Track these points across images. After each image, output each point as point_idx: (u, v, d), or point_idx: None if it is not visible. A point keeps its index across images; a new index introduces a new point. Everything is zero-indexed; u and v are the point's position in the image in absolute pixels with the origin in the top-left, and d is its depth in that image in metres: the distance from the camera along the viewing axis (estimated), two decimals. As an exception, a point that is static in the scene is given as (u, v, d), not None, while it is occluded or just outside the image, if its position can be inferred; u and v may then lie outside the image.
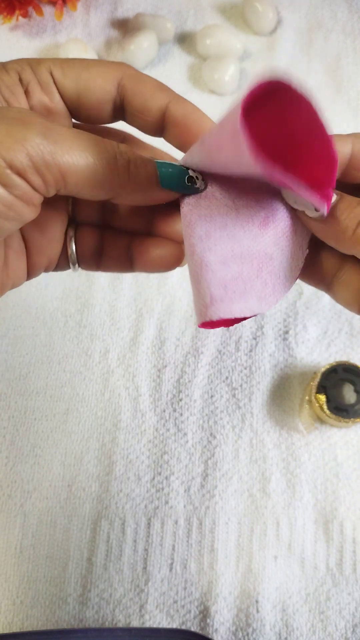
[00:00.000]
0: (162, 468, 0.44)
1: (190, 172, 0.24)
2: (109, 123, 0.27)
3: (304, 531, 0.42)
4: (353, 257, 0.25)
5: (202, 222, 0.25)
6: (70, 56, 0.56)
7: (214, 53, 0.57)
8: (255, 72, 0.58)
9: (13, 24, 0.60)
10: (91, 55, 0.57)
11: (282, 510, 0.43)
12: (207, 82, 0.57)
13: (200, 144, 0.23)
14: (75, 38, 0.58)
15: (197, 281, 0.24)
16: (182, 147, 0.26)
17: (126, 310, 0.49)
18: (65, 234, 0.28)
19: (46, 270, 0.29)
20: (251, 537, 0.42)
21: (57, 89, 0.24)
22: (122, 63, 0.25)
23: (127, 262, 0.29)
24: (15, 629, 0.41)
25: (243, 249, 0.25)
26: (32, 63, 0.24)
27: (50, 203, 0.26)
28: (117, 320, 0.49)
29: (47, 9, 0.61)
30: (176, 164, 0.24)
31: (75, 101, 0.25)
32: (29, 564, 0.42)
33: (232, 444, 0.45)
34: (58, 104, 0.24)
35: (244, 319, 0.24)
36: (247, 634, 0.40)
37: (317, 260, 0.26)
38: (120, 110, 0.26)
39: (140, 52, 0.57)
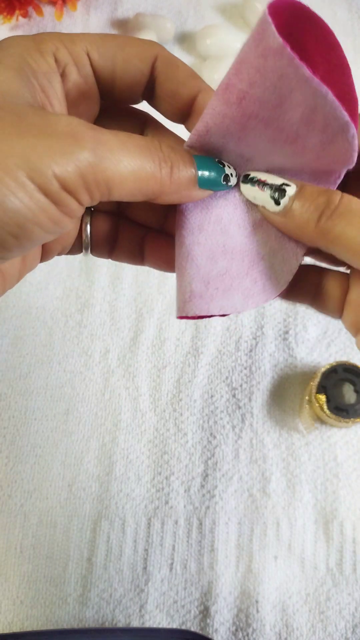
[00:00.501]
0: (162, 468, 0.44)
1: (226, 170, 0.24)
2: (136, 104, 0.26)
3: (304, 531, 0.42)
4: (333, 271, 0.26)
5: (197, 212, 0.25)
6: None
7: (214, 53, 0.57)
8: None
9: (13, 24, 0.60)
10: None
11: (282, 510, 0.43)
12: (207, 82, 0.57)
13: (223, 94, 0.22)
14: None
15: (181, 274, 0.24)
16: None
17: (126, 310, 0.49)
18: (82, 219, 0.28)
19: (59, 254, 0.28)
20: (251, 537, 0.42)
21: (93, 69, 0.24)
22: (155, 43, 0.24)
23: (138, 256, 0.28)
24: (15, 629, 0.41)
25: (235, 245, 0.25)
26: (67, 42, 0.23)
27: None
28: (117, 320, 0.49)
29: (47, 9, 0.61)
30: (213, 159, 0.24)
31: (109, 82, 0.24)
32: (29, 564, 0.42)
33: (232, 444, 0.45)
34: (92, 86, 0.24)
35: (226, 314, 0.24)
36: (247, 634, 0.40)
37: (298, 274, 0.26)
38: (148, 92, 0.25)
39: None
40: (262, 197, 0.23)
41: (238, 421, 0.45)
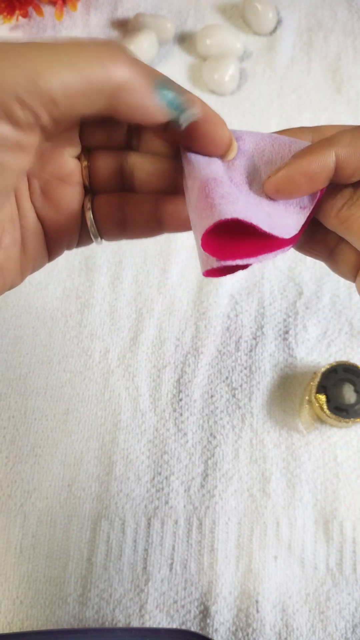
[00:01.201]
0: (162, 468, 0.44)
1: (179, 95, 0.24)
2: None
3: (304, 531, 0.42)
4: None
5: (204, 162, 0.25)
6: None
7: (214, 53, 0.57)
8: (255, 72, 0.58)
9: (13, 24, 0.60)
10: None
11: (282, 510, 0.43)
12: (207, 82, 0.57)
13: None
14: (76, 38, 0.58)
15: (203, 197, 0.23)
16: (193, 144, 0.26)
17: (126, 310, 0.49)
18: (83, 206, 0.27)
19: (69, 247, 0.28)
20: (251, 537, 0.42)
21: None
22: (115, 45, 0.24)
23: (155, 225, 0.28)
24: (15, 629, 0.41)
25: (243, 188, 0.25)
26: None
27: (62, 177, 0.26)
28: (117, 320, 0.49)
29: (47, 9, 0.61)
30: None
31: None
32: (29, 564, 0.42)
33: (232, 444, 0.45)
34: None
35: (245, 266, 0.23)
36: (247, 634, 0.40)
37: (317, 234, 0.27)
38: None
39: (141, 52, 0.57)
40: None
41: (238, 421, 0.45)
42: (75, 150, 0.26)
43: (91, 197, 0.28)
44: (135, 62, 0.22)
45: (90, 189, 0.27)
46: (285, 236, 0.23)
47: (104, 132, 0.27)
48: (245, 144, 0.27)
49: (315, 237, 0.27)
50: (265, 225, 0.23)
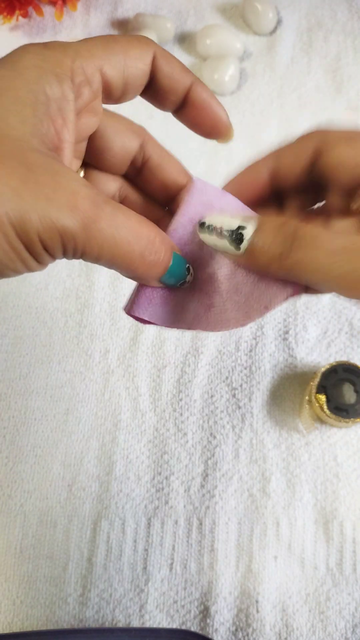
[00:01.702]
0: (162, 468, 0.44)
1: (188, 278, 0.25)
2: (132, 99, 0.27)
3: (304, 531, 0.42)
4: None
5: (190, 245, 0.26)
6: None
7: (214, 53, 0.57)
8: (255, 72, 0.58)
9: (13, 24, 0.60)
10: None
11: (282, 510, 0.43)
12: (207, 82, 0.57)
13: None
14: (76, 38, 0.58)
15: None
16: (194, 127, 0.27)
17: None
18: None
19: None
20: (251, 537, 0.42)
21: (104, 83, 0.24)
22: (150, 40, 0.25)
23: None
24: (15, 629, 0.41)
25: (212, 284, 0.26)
26: (83, 60, 0.23)
27: None
28: (117, 320, 0.49)
29: (47, 9, 0.61)
30: (185, 262, 0.24)
31: (118, 89, 0.25)
32: (29, 564, 0.42)
33: (232, 444, 0.45)
34: (98, 101, 0.24)
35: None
36: (247, 634, 0.40)
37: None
38: (145, 88, 0.26)
39: (140, 52, 0.57)
40: (222, 244, 0.23)
41: (238, 421, 0.45)
42: (76, 164, 0.27)
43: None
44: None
45: None
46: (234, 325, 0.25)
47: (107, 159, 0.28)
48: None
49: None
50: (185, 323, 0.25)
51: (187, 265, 0.25)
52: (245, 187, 0.27)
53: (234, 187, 0.27)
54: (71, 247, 0.21)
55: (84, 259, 0.22)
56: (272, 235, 0.22)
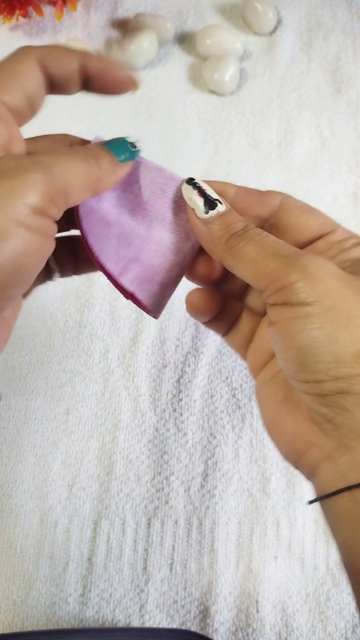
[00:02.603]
0: (162, 468, 0.44)
1: (129, 139, 0.27)
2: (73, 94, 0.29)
3: (304, 531, 0.42)
4: (248, 310, 0.31)
5: (98, 226, 0.28)
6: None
7: (214, 53, 0.57)
8: (255, 72, 0.58)
9: (13, 24, 0.60)
10: (91, 55, 0.57)
11: (282, 510, 0.43)
12: (207, 82, 0.57)
13: None
14: (76, 38, 0.58)
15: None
16: (104, 93, 0.29)
17: (126, 310, 0.49)
18: None
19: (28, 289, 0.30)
20: (251, 537, 0.42)
21: (10, 110, 0.27)
22: (28, 49, 0.28)
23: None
24: (15, 629, 0.41)
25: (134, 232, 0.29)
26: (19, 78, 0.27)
27: None
28: (117, 320, 0.49)
29: (47, 9, 0.61)
30: (116, 139, 0.27)
31: (27, 107, 0.27)
32: (29, 564, 0.42)
33: (232, 444, 0.45)
34: (14, 128, 0.27)
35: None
36: (247, 634, 0.40)
37: (223, 311, 0.30)
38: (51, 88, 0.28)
39: (140, 52, 0.57)
40: (196, 201, 0.27)
41: (238, 421, 0.45)
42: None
43: None
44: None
45: None
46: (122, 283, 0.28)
47: None
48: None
49: (221, 314, 0.30)
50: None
51: (128, 140, 0.27)
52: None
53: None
54: (53, 192, 0.23)
55: (69, 199, 0.24)
56: (233, 222, 0.26)
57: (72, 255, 0.31)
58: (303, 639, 0.40)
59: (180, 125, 0.56)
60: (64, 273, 0.31)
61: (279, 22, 0.60)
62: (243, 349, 0.31)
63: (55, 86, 0.28)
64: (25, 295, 0.30)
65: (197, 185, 0.27)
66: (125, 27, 0.61)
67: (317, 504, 0.25)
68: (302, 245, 0.28)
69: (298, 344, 0.23)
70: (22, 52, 0.27)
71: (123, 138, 0.27)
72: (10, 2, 0.58)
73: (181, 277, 0.29)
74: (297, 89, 0.57)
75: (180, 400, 0.46)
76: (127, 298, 0.28)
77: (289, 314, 0.23)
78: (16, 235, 0.22)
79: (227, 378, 0.47)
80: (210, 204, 0.27)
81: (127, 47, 0.57)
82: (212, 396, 0.46)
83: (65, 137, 0.29)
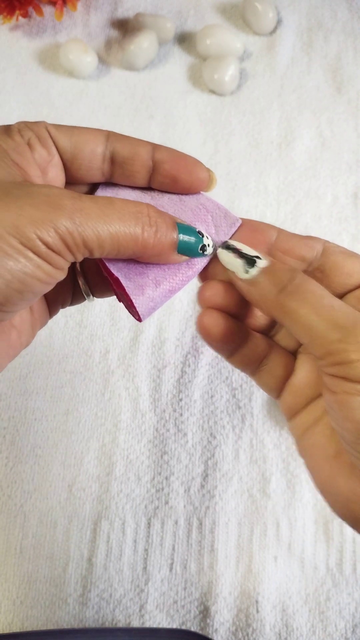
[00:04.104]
0: (162, 468, 0.44)
1: (205, 240, 0.26)
2: (99, 181, 0.28)
3: (304, 531, 0.42)
4: (279, 348, 0.29)
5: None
6: (70, 56, 0.56)
7: (214, 53, 0.57)
8: (255, 72, 0.58)
9: (13, 24, 0.60)
10: (91, 55, 0.57)
11: (282, 511, 0.43)
12: (207, 82, 0.57)
13: None
14: (75, 38, 0.58)
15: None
16: (170, 187, 0.28)
17: (126, 311, 0.49)
18: (75, 269, 0.29)
19: (63, 306, 0.30)
20: (251, 538, 0.42)
21: (54, 143, 0.26)
22: (105, 130, 0.27)
23: None
24: (15, 629, 0.41)
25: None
26: (29, 123, 0.26)
27: None
28: (117, 321, 0.49)
29: (47, 9, 0.61)
30: (195, 229, 0.26)
31: (70, 156, 0.26)
32: (29, 564, 0.42)
33: (232, 445, 0.45)
34: (55, 156, 0.26)
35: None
36: (247, 634, 0.40)
37: (248, 346, 0.28)
38: (109, 166, 0.27)
39: (140, 52, 0.57)
40: (234, 263, 0.26)
41: (238, 421, 0.45)
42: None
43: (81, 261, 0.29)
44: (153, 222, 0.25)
45: None
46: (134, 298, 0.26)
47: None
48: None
49: (247, 349, 0.28)
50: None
51: (197, 229, 0.26)
52: None
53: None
54: (69, 238, 0.22)
55: (94, 253, 0.23)
56: (281, 274, 0.25)
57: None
58: (303, 639, 0.40)
59: (180, 125, 0.56)
60: (100, 294, 0.30)
61: (279, 22, 0.60)
62: (275, 391, 0.29)
63: (117, 164, 0.27)
64: (52, 314, 0.30)
65: (233, 247, 0.26)
66: (125, 27, 0.61)
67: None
68: (350, 290, 0.27)
69: (358, 418, 0.22)
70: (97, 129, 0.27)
71: (199, 233, 0.26)
72: (10, 2, 0.58)
73: (180, 286, 0.28)
74: (297, 89, 0.57)
75: (180, 400, 0.46)
76: (113, 288, 0.27)
77: (349, 389, 0.23)
78: (13, 257, 0.22)
79: (227, 378, 0.47)
80: (249, 262, 0.26)
81: (127, 47, 0.57)
82: (212, 396, 0.46)
83: (107, 135, 0.28)
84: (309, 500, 0.43)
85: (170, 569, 0.42)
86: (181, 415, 0.46)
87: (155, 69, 0.59)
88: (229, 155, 0.54)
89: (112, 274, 0.26)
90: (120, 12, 0.61)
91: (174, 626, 0.40)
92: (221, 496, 0.43)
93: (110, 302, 0.49)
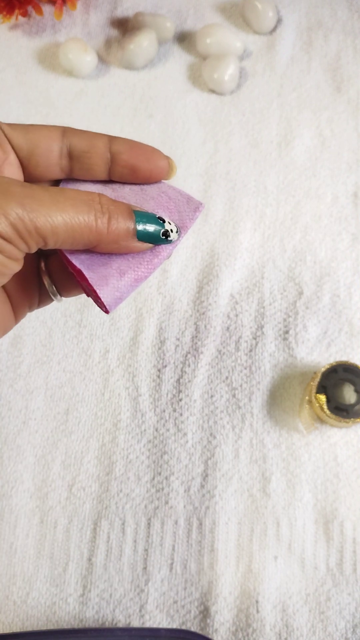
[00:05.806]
0: (162, 468, 0.44)
1: (167, 226, 0.26)
2: (59, 177, 0.27)
3: (304, 531, 0.42)
4: None
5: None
6: (70, 55, 0.56)
7: (214, 52, 0.57)
8: (255, 71, 0.58)
9: (12, 23, 0.60)
10: (91, 54, 0.57)
11: (282, 510, 0.43)
12: (207, 82, 0.57)
13: None
14: (75, 37, 0.58)
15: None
16: (131, 178, 0.27)
17: (126, 310, 0.49)
18: (38, 268, 0.29)
19: (30, 309, 0.29)
20: (251, 537, 0.42)
21: (9, 141, 0.26)
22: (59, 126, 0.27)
23: None
24: (15, 629, 0.41)
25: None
26: None
27: None
28: (117, 320, 0.49)
29: (47, 8, 0.61)
30: (154, 215, 0.26)
31: (26, 153, 0.26)
32: (29, 564, 0.42)
33: (232, 444, 0.44)
34: (10, 154, 0.26)
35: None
36: (247, 634, 0.40)
37: None
38: (67, 161, 0.27)
39: (140, 51, 0.57)
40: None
41: (238, 421, 0.45)
42: None
43: (45, 259, 0.29)
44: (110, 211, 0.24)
45: (43, 252, 0.29)
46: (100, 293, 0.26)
47: None
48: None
49: None
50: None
51: (157, 215, 0.26)
52: None
53: None
54: (21, 225, 0.22)
55: (48, 242, 0.23)
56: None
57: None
58: (303, 639, 0.40)
59: (180, 125, 0.56)
60: (67, 292, 0.29)
61: (279, 21, 0.60)
62: None
63: (75, 158, 0.27)
64: (17, 318, 0.29)
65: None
66: (125, 26, 0.60)
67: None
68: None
69: None
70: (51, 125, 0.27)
71: (160, 219, 0.26)
72: (10, 1, 0.57)
73: (147, 275, 0.28)
74: (297, 88, 0.57)
75: (180, 400, 0.46)
76: (80, 283, 0.27)
77: None
78: None
79: (227, 378, 0.47)
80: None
81: (127, 47, 0.57)
82: (212, 396, 0.46)
83: (63, 130, 0.28)
84: (309, 500, 0.43)
85: (170, 569, 0.42)
86: (181, 415, 0.46)
87: (155, 68, 0.59)
88: (228, 154, 0.54)
89: (75, 266, 0.25)
90: (120, 11, 0.61)
91: (174, 626, 0.40)
92: (221, 496, 0.43)
93: (110, 302, 0.49)
